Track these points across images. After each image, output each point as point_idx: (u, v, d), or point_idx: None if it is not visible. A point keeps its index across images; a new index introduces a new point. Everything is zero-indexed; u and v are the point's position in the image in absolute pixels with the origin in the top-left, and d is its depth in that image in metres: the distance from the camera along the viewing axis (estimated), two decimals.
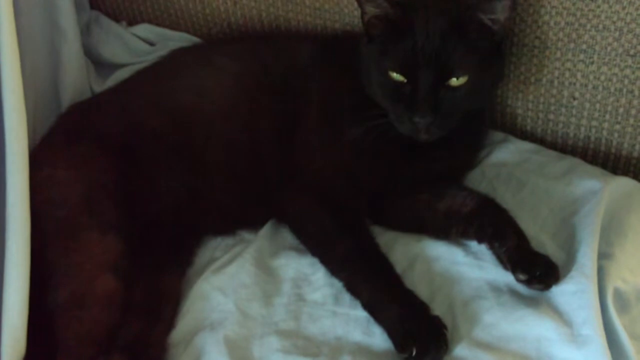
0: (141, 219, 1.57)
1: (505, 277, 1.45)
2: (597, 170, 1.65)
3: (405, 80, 1.47)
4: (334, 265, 1.51)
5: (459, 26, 1.46)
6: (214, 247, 1.64)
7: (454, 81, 1.46)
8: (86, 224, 1.51)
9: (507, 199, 1.58)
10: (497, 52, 1.54)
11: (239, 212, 1.65)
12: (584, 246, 1.44)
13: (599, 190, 1.53)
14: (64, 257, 1.47)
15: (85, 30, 2.04)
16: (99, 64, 2.04)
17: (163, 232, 1.60)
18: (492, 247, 1.49)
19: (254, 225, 1.65)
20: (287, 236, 1.61)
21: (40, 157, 1.57)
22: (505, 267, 1.46)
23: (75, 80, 1.91)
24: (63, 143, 1.65)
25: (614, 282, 1.40)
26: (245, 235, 1.65)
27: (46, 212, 1.50)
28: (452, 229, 1.55)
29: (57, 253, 1.47)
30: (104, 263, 1.47)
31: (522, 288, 1.44)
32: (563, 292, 1.40)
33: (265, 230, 1.63)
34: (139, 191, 1.59)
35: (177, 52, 1.82)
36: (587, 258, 1.41)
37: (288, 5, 1.88)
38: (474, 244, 1.53)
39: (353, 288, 1.47)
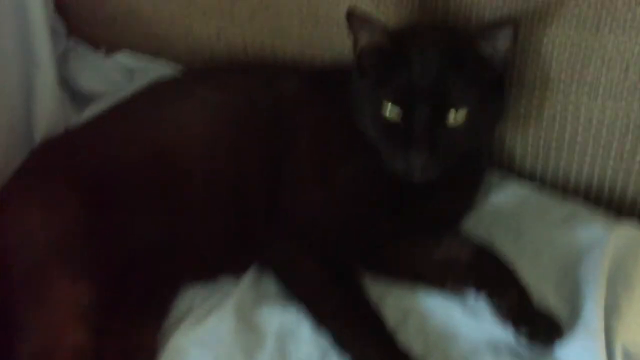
0: (116, 264, 1.50)
1: (505, 335, 1.39)
2: (600, 215, 1.59)
3: (400, 116, 1.41)
4: (321, 319, 1.44)
5: (457, 58, 1.40)
6: (193, 295, 1.56)
7: (452, 117, 1.39)
8: (57, 270, 1.45)
9: (505, 246, 1.52)
10: (498, 86, 1.48)
11: (220, 257, 1.58)
12: (589, 300, 1.38)
13: (603, 238, 1.48)
14: (33, 307, 1.41)
15: (62, 59, 1.99)
16: (76, 95, 1.98)
17: (139, 278, 1.52)
18: (491, 300, 1.42)
19: (236, 271, 1.57)
20: (272, 284, 1.54)
21: (9, 196, 1.55)
22: (505, 322, 1.39)
23: (50, 112, 1.84)
24: (34, 180, 1.60)
25: (622, 340, 1.33)
26: (226, 283, 1.57)
27: (14, 256, 1.45)
28: (448, 280, 1.48)
29: (25, 302, 1.42)
30: (76, 314, 1.41)
31: (522, 348, 1.37)
32: (567, 352, 1.33)
33: (248, 277, 1.55)
34: (114, 234, 1.52)
35: (157, 83, 1.77)
36: (592, 313, 1.35)
37: (275, 35, 1.82)
38: (471, 297, 1.46)
39: (341, 344, 1.40)
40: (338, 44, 1.75)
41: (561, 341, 1.35)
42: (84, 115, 1.89)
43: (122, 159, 1.58)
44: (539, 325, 1.36)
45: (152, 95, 1.73)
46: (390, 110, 1.41)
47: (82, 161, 1.60)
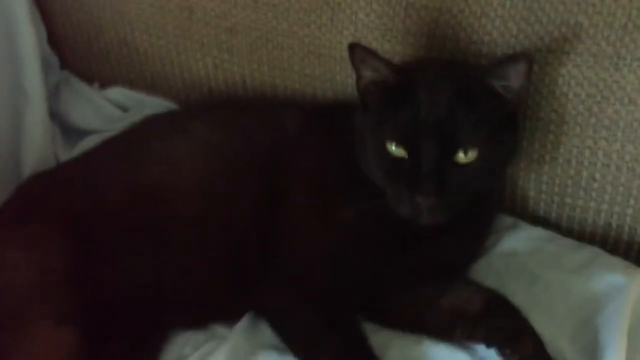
0: (101, 309, 1.44)
1: None
2: (620, 262, 1.51)
3: (406, 155, 1.34)
4: None
5: (467, 94, 1.34)
6: (183, 343, 1.49)
7: (461, 156, 1.33)
8: (38, 314, 1.40)
9: (518, 295, 1.44)
10: (511, 125, 1.42)
11: (212, 303, 1.52)
12: (609, 353, 1.31)
13: (623, 287, 1.41)
14: (13, 353, 1.36)
15: (54, 93, 1.96)
16: (67, 130, 1.95)
17: (126, 324, 1.46)
18: (502, 354, 1.35)
19: (230, 318, 1.50)
20: (267, 332, 1.46)
21: None
22: None
23: (39, 148, 1.82)
24: (16, 219, 1.55)
25: None
26: (219, 329, 1.51)
27: None
28: (456, 330, 1.41)
29: (6, 343, 1.37)
30: (58, 358, 1.36)
31: None
32: None
33: (242, 325, 1.48)
34: (100, 277, 1.47)
35: (150, 120, 1.73)
36: None
37: (275, 71, 1.78)
38: (481, 348, 1.38)
39: None
40: (340, 80, 1.72)
41: None
42: (74, 151, 1.86)
43: (109, 198, 1.55)
44: None
45: (143, 132, 1.69)
46: (395, 149, 1.35)
47: (68, 199, 1.56)
